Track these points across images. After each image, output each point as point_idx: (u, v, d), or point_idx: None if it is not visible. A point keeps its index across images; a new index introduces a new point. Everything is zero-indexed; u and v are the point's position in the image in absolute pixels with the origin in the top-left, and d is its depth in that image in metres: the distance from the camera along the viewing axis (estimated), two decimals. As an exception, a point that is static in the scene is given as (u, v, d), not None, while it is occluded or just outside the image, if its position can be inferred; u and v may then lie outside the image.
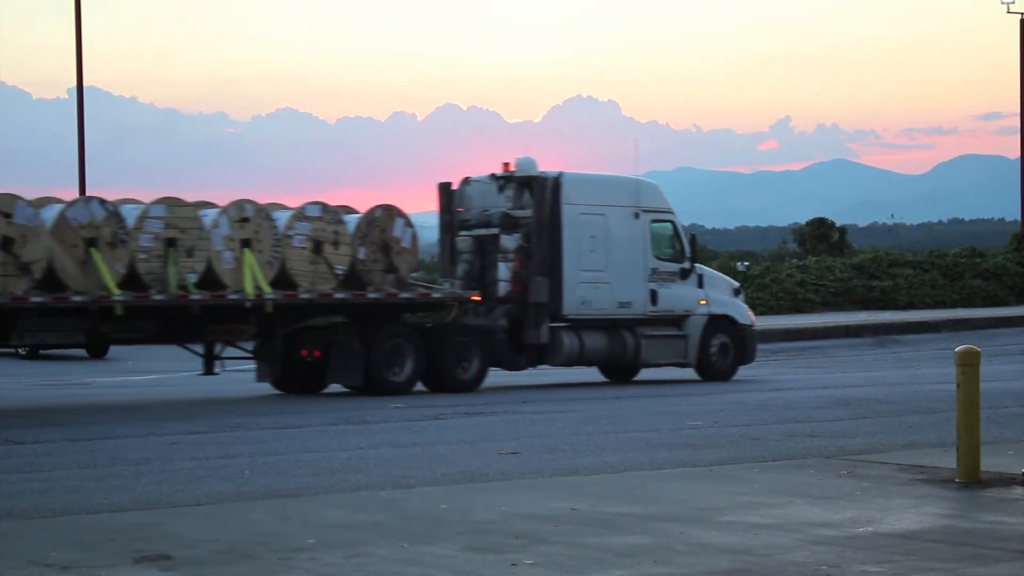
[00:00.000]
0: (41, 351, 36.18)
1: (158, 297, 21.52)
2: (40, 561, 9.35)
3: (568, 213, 25.49)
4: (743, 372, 27.61)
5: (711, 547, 9.70)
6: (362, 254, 23.57)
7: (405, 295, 23.99)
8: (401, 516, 10.98)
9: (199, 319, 22.48)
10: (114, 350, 37.35)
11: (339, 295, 23.29)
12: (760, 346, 30.64)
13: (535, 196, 25.48)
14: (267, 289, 22.42)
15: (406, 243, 24.12)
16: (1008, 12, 58.28)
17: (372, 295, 23.57)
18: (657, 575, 8.92)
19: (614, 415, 19.66)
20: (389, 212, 24.05)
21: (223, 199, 22.87)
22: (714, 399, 22.48)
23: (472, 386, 24.19)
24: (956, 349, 12.84)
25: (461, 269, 25.67)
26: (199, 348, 24.01)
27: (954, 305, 53.03)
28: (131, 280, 21.42)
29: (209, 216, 22.24)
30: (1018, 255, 57.22)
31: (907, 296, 51.77)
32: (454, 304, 24.88)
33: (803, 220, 68.27)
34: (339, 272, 23.34)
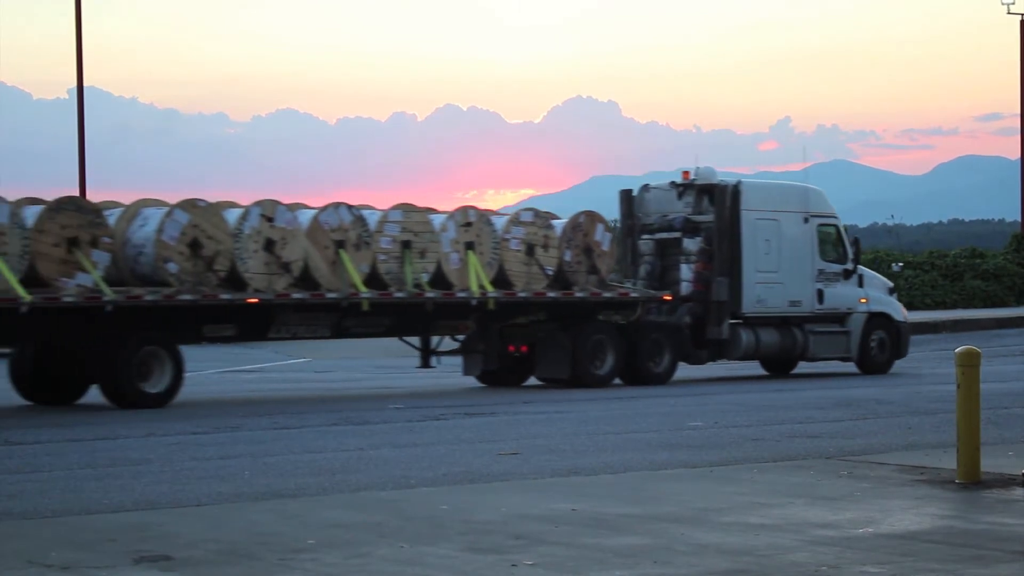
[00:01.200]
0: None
1: (398, 295, 23.72)
2: (40, 561, 9.34)
3: (746, 218, 27.59)
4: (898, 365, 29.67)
5: (711, 548, 9.70)
6: (568, 256, 25.88)
7: (607, 294, 26.19)
8: (401, 516, 10.98)
9: (429, 315, 24.52)
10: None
11: (551, 294, 25.55)
12: None
13: (715, 202, 27.60)
14: (489, 288, 24.65)
15: (605, 246, 26.42)
16: (1008, 13, 58.32)
17: (579, 294, 25.80)
18: (657, 576, 8.93)
19: (614, 416, 19.66)
20: (591, 218, 26.45)
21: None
22: (714, 399, 22.49)
23: (663, 379, 26.27)
24: (956, 350, 12.85)
25: (643, 270, 27.98)
26: (413, 342, 26.12)
27: (954, 306, 53.08)
28: (372, 279, 23.65)
29: (438, 221, 24.44)
30: (1018, 256, 57.25)
31: (907, 297, 51.79)
32: (642, 303, 26.96)
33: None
34: (549, 273, 25.64)
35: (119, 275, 21.84)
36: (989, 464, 12.99)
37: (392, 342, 26.30)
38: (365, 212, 23.77)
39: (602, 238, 26.28)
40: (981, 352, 13.02)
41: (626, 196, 28.68)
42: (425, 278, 23.97)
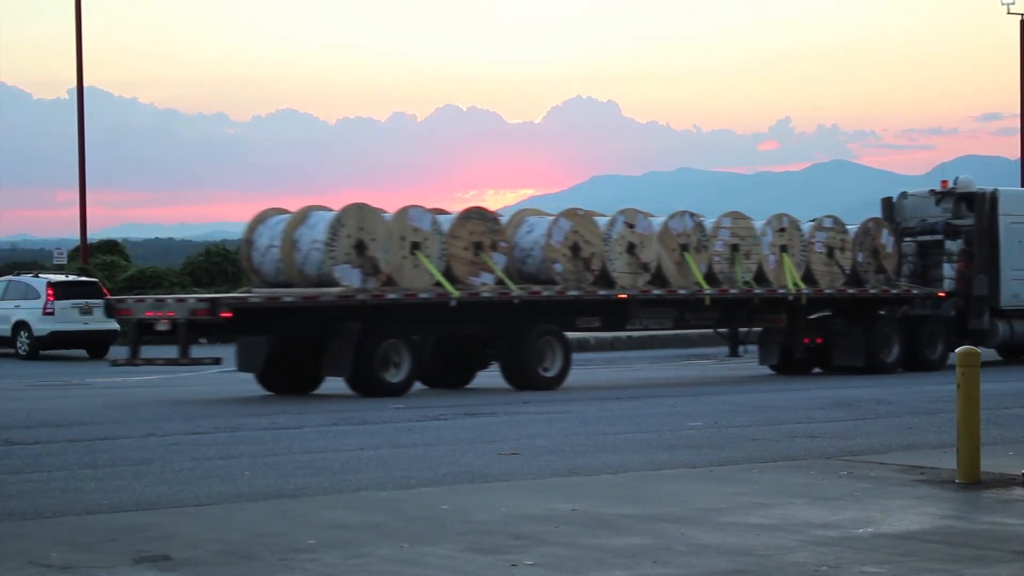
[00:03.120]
0: (42, 351, 36.24)
1: (732, 291, 27.31)
2: (40, 561, 9.35)
3: (1003, 222, 30.81)
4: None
5: (711, 548, 9.70)
6: (860, 257, 29.34)
7: (894, 291, 29.68)
8: (401, 517, 10.98)
9: (752, 309, 28.02)
10: (114, 350, 37.38)
11: (850, 291, 28.98)
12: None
13: (975, 208, 30.73)
14: (802, 285, 28.16)
15: (889, 249, 29.91)
16: (1008, 13, 58.26)
17: (871, 291, 29.28)
18: (657, 576, 8.93)
19: (614, 416, 19.66)
20: (878, 224, 30.11)
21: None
22: (714, 400, 22.49)
23: (938, 365, 29.27)
24: (956, 350, 12.85)
25: (906, 269, 31.19)
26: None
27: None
28: (707, 278, 27.10)
29: (757, 226, 28.05)
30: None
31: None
32: (921, 299, 30.53)
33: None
34: (847, 272, 29.05)
35: (507, 274, 25.11)
36: (989, 464, 12.99)
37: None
38: (698, 219, 27.36)
39: (887, 241, 29.85)
40: (981, 352, 13.02)
41: (887, 203, 32.27)
42: (748, 277, 27.52)
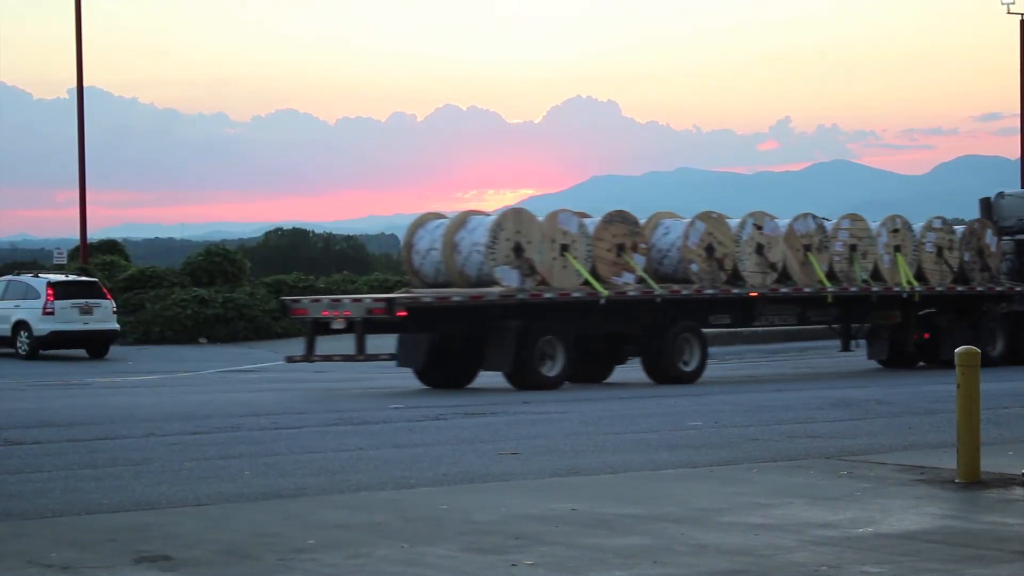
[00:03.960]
0: (42, 351, 36.25)
1: (852, 289, 28.96)
2: (40, 561, 9.35)
3: None
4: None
5: (711, 548, 9.70)
6: (967, 256, 31.04)
7: (998, 288, 31.24)
8: (401, 517, 10.98)
9: (869, 307, 29.80)
10: (114, 350, 37.40)
11: (959, 288, 30.67)
12: (768, 346, 36.61)
13: None
14: (915, 284, 29.87)
15: (993, 248, 31.53)
16: (1008, 12, 58.32)
17: (978, 288, 30.95)
18: (657, 576, 8.93)
19: (614, 416, 19.65)
20: (983, 224, 31.70)
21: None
22: (714, 400, 22.48)
23: None
24: (956, 350, 12.85)
25: (1005, 266, 32.36)
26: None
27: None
28: (828, 276, 28.73)
29: (872, 227, 29.77)
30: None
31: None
32: (1016, 296, 31.87)
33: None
34: (955, 270, 30.70)
35: (645, 274, 26.75)
36: (989, 464, 12.99)
37: (388, 342, 26.15)
38: (822, 221, 29.15)
39: (991, 241, 31.46)
40: (980, 352, 13.02)
41: (985, 203, 33.51)
42: (865, 275, 29.16)
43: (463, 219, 26.00)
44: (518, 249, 25.24)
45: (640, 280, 26.49)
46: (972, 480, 12.52)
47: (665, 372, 26.46)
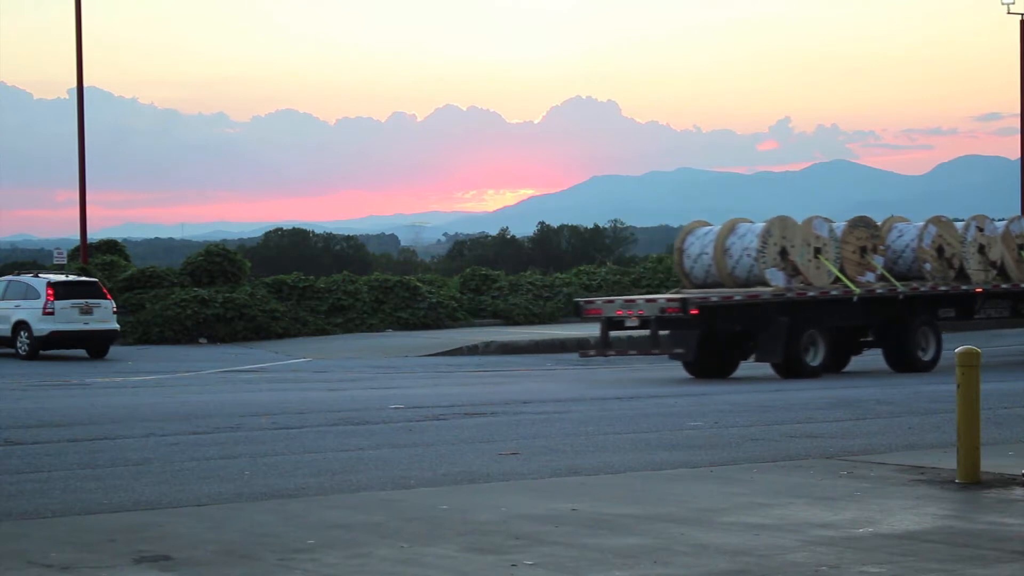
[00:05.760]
0: (42, 351, 36.25)
1: None
2: (40, 561, 9.35)
3: None
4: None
5: (711, 548, 9.70)
6: None
7: None
8: (401, 517, 10.98)
9: None
10: (114, 350, 37.38)
11: None
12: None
13: None
14: None
15: None
16: (1008, 13, 58.25)
17: None
18: (657, 576, 8.93)
19: (614, 416, 19.65)
20: None
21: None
22: (714, 400, 22.47)
23: None
24: (956, 350, 12.85)
25: None
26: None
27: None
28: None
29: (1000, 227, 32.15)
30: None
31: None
32: None
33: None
34: None
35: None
36: (989, 464, 13.00)
37: (387, 342, 26.27)
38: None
39: None
40: (981, 352, 13.03)
41: None
42: None
43: (732, 226, 29.31)
44: (783, 253, 28.54)
45: (881, 278, 29.55)
46: (972, 480, 12.52)
47: (906, 362, 29.22)
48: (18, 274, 38.74)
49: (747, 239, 28.74)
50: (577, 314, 31.03)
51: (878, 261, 29.76)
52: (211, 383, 27.61)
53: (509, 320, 46.73)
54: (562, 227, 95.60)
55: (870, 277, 29.49)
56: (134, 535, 10.25)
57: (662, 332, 28.12)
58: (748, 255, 28.58)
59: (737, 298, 27.82)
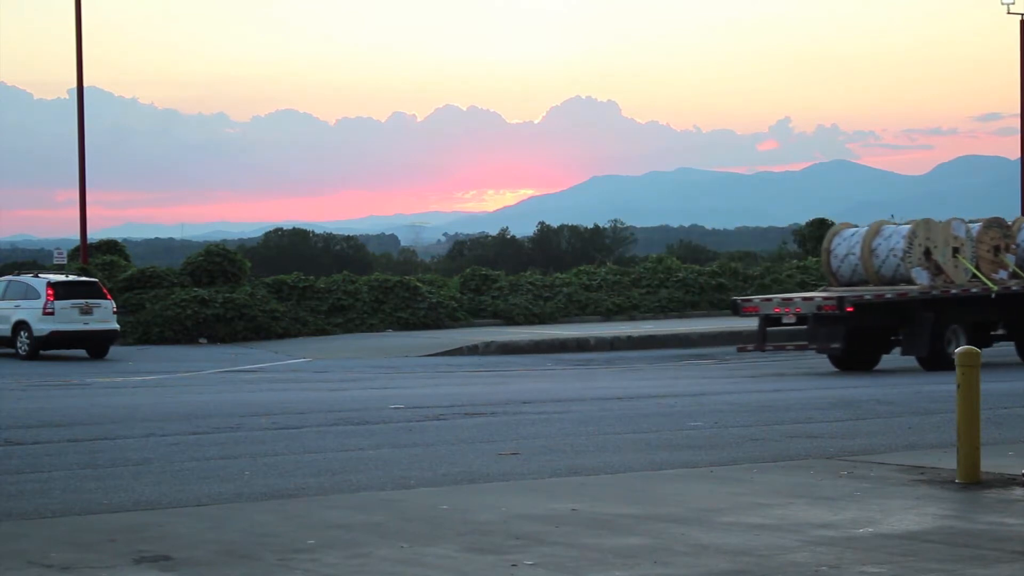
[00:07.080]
0: (42, 352, 36.27)
1: None
2: (40, 561, 9.35)
3: None
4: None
5: (711, 548, 9.70)
6: None
7: None
8: (401, 517, 10.98)
9: None
10: (115, 350, 37.39)
11: None
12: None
13: None
14: None
15: None
16: (1008, 13, 58.27)
17: None
18: (657, 576, 8.92)
19: (614, 416, 19.65)
20: None
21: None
22: (714, 400, 22.47)
23: None
24: (956, 350, 12.85)
25: None
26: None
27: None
28: None
29: None
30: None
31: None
32: None
33: (803, 221, 68.31)
34: None
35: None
36: (989, 464, 13.00)
37: (387, 342, 26.25)
38: None
39: None
40: (981, 352, 13.03)
41: None
42: None
43: (877, 228, 31.01)
44: (927, 253, 30.18)
45: (1013, 275, 31.01)
46: (972, 480, 12.52)
47: None
48: (18, 274, 38.73)
49: (893, 240, 30.52)
50: (734, 312, 32.07)
51: (1010, 259, 31.30)
52: (211, 383, 27.60)
53: (509, 320, 46.73)
54: (562, 227, 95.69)
55: (1003, 274, 30.99)
56: (134, 535, 10.25)
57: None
58: (894, 255, 30.31)
59: (888, 296, 29.28)
